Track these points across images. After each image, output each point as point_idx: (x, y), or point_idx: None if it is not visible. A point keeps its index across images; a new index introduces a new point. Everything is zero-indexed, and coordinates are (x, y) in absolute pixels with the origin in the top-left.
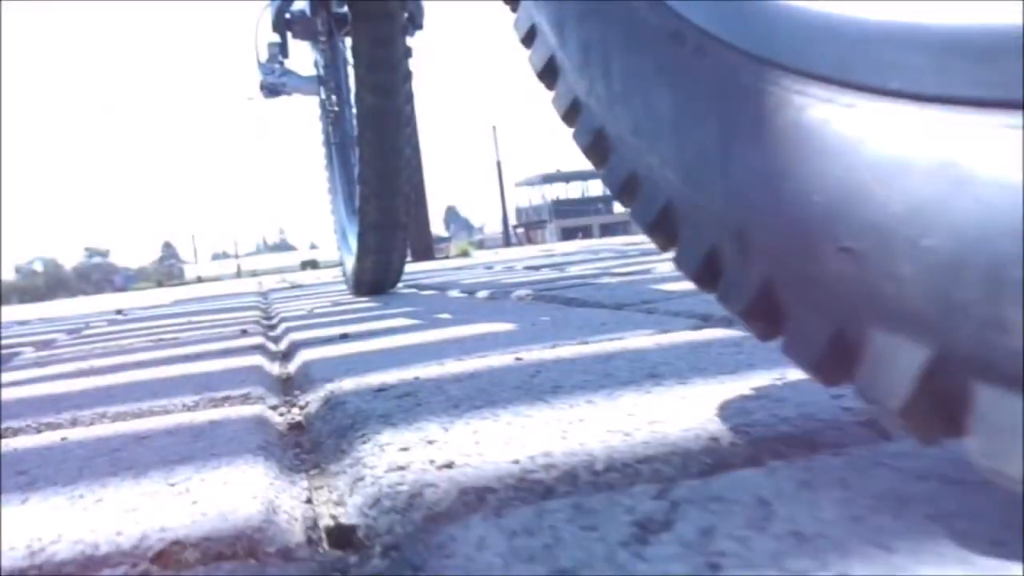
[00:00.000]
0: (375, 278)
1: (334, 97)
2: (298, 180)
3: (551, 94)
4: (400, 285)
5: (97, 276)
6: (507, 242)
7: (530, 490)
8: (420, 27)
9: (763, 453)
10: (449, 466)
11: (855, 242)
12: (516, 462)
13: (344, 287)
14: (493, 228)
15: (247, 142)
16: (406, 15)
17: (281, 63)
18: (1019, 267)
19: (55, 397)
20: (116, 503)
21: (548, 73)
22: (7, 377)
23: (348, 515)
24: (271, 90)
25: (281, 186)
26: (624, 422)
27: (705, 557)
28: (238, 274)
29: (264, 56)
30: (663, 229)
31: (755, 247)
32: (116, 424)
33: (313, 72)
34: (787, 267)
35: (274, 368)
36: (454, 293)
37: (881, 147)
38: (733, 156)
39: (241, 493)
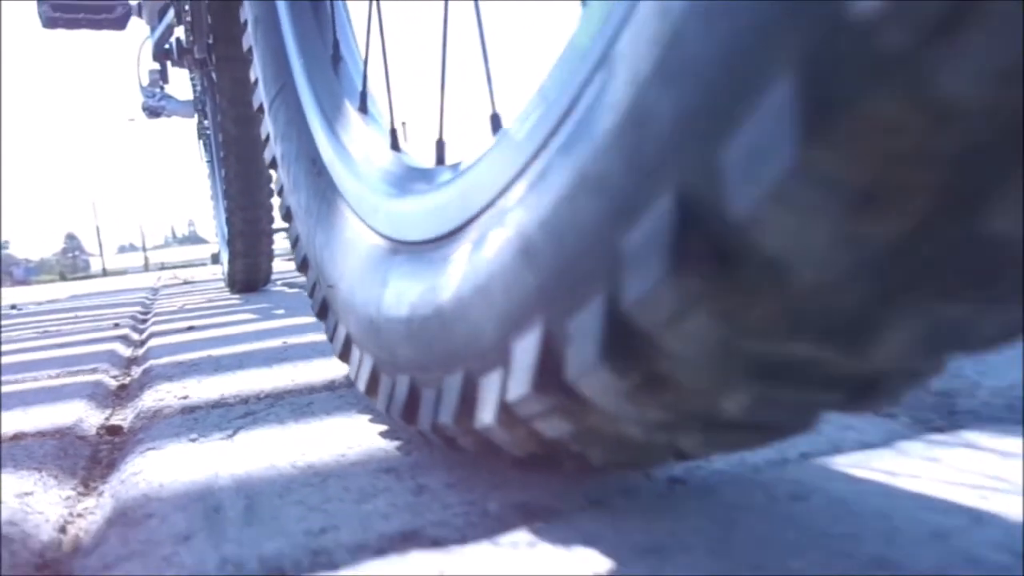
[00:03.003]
0: (246, 277)
1: (206, 121)
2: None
3: (275, 177)
4: (279, 282)
5: None
6: None
7: (218, 407)
8: None
9: (347, 386)
10: (185, 398)
11: (333, 282)
12: (221, 395)
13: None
14: None
15: (152, 139)
16: None
17: (161, 88)
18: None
19: None
20: None
21: (273, 165)
22: None
23: (124, 423)
24: (152, 111)
25: (190, 179)
26: (298, 375)
27: (260, 425)
28: (146, 267)
29: (146, 81)
30: (304, 270)
31: (320, 282)
32: None
33: (191, 96)
34: (327, 292)
35: (127, 351)
36: None
37: (349, 242)
38: (318, 234)
39: (66, 415)
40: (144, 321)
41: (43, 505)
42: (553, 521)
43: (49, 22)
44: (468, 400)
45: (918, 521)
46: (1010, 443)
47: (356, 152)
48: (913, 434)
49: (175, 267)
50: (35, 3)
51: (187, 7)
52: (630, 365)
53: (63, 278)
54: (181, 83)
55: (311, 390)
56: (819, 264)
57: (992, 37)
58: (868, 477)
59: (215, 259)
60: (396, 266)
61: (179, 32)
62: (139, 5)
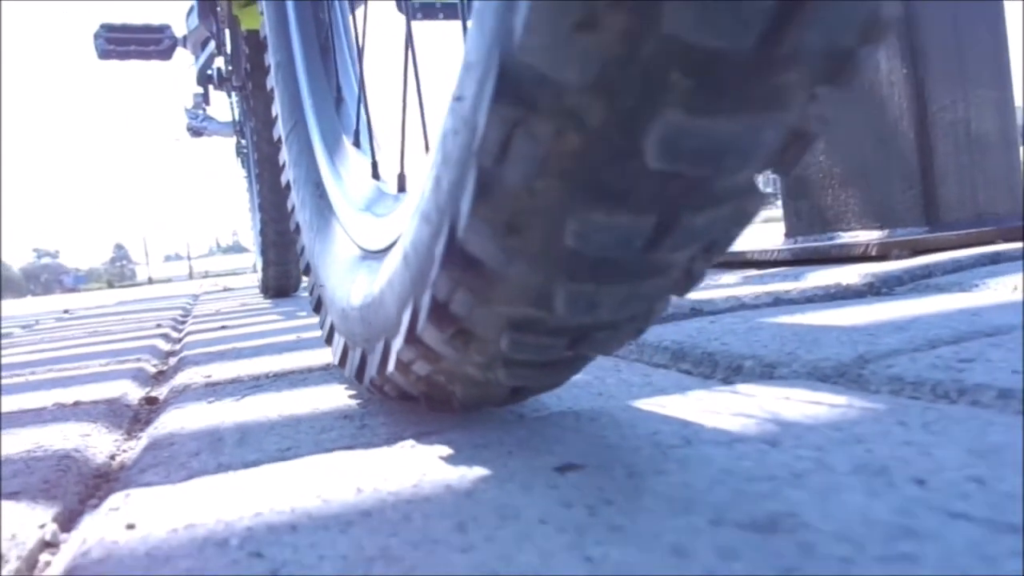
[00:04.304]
0: (277, 284)
1: (243, 141)
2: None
3: (289, 199)
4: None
5: (46, 277)
6: None
7: (234, 383)
8: None
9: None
10: (209, 377)
11: (323, 283)
12: (238, 375)
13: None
14: None
15: (198, 152)
16: None
17: (204, 110)
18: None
19: (20, 363)
20: (53, 394)
21: (287, 188)
22: None
23: (160, 396)
24: (195, 132)
25: (231, 193)
26: (302, 360)
27: (263, 392)
28: (190, 275)
29: (190, 104)
30: (307, 274)
31: (318, 285)
32: (59, 373)
33: (231, 118)
34: (320, 291)
35: (167, 346)
36: None
37: (337, 250)
38: (316, 244)
39: (115, 390)
40: (183, 322)
41: (98, 443)
42: (433, 435)
43: (104, 54)
44: (385, 358)
45: (648, 427)
46: (757, 389)
47: (347, 178)
48: (708, 386)
49: (218, 275)
50: (92, 38)
51: (226, 39)
52: (444, 322)
53: (110, 286)
54: (221, 105)
55: (309, 370)
56: (504, 264)
57: (521, 160)
58: (648, 409)
59: (256, 268)
60: (362, 269)
61: (219, 61)
62: (184, 37)
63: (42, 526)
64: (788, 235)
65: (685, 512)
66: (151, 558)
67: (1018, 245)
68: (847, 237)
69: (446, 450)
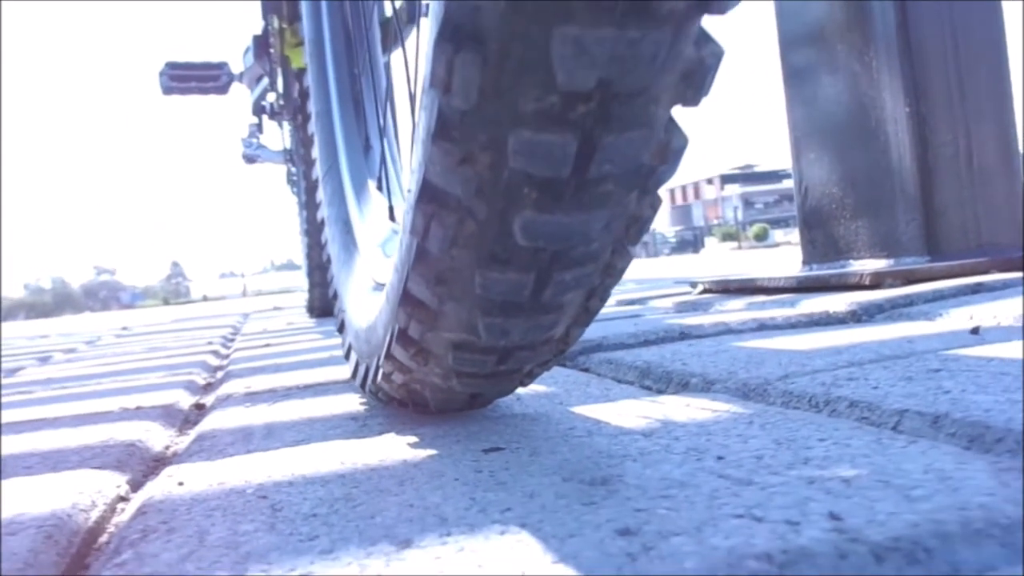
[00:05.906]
0: (322, 304)
1: (293, 168)
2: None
3: (323, 233)
4: None
5: (104, 293)
6: None
7: (270, 392)
8: None
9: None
10: (249, 387)
11: (345, 308)
12: (273, 386)
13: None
14: None
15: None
16: None
17: (257, 138)
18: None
19: (89, 375)
20: (119, 400)
21: (322, 223)
22: (52, 368)
23: (207, 403)
24: (249, 159)
25: (283, 215)
26: (330, 374)
27: (291, 399)
28: (244, 293)
29: (245, 132)
30: (334, 300)
31: (340, 310)
32: (119, 383)
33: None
34: (342, 315)
35: (215, 361)
36: None
37: (357, 281)
38: (341, 275)
39: (169, 398)
40: (232, 340)
41: (156, 437)
42: (408, 428)
43: (167, 90)
44: (376, 370)
45: (569, 424)
46: (672, 399)
47: (368, 218)
48: (646, 395)
49: (271, 293)
50: (157, 75)
51: (279, 76)
52: (407, 344)
53: (166, 303)
54: (274, 135)
55: (334, 383)
56: (438, 304)
57: (437, 238)
58: (580, 412)
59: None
60: (372, 298)
61: (272, 96)
62: (241, 73)
63: (118, 486)
64: (804, 263)
65: (551, 475)
66: (194, 499)
67: (1004, 276)
68: (856, 265)
69: (414, 439)
